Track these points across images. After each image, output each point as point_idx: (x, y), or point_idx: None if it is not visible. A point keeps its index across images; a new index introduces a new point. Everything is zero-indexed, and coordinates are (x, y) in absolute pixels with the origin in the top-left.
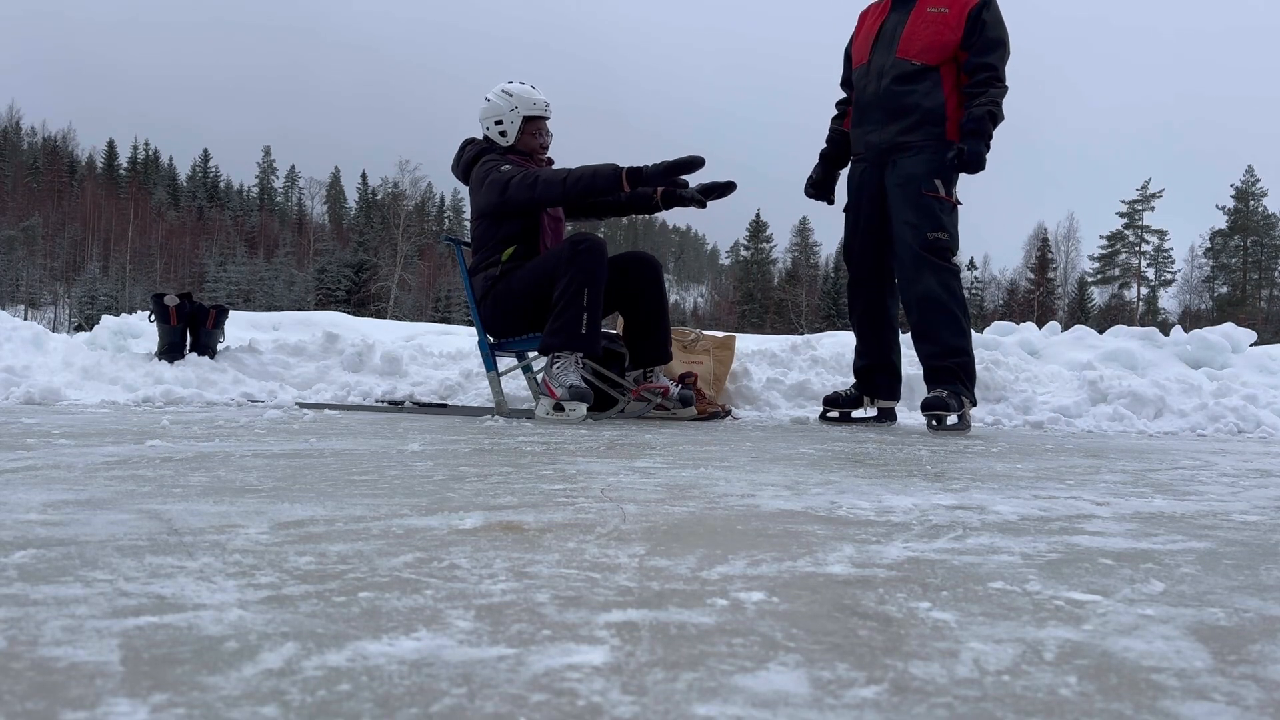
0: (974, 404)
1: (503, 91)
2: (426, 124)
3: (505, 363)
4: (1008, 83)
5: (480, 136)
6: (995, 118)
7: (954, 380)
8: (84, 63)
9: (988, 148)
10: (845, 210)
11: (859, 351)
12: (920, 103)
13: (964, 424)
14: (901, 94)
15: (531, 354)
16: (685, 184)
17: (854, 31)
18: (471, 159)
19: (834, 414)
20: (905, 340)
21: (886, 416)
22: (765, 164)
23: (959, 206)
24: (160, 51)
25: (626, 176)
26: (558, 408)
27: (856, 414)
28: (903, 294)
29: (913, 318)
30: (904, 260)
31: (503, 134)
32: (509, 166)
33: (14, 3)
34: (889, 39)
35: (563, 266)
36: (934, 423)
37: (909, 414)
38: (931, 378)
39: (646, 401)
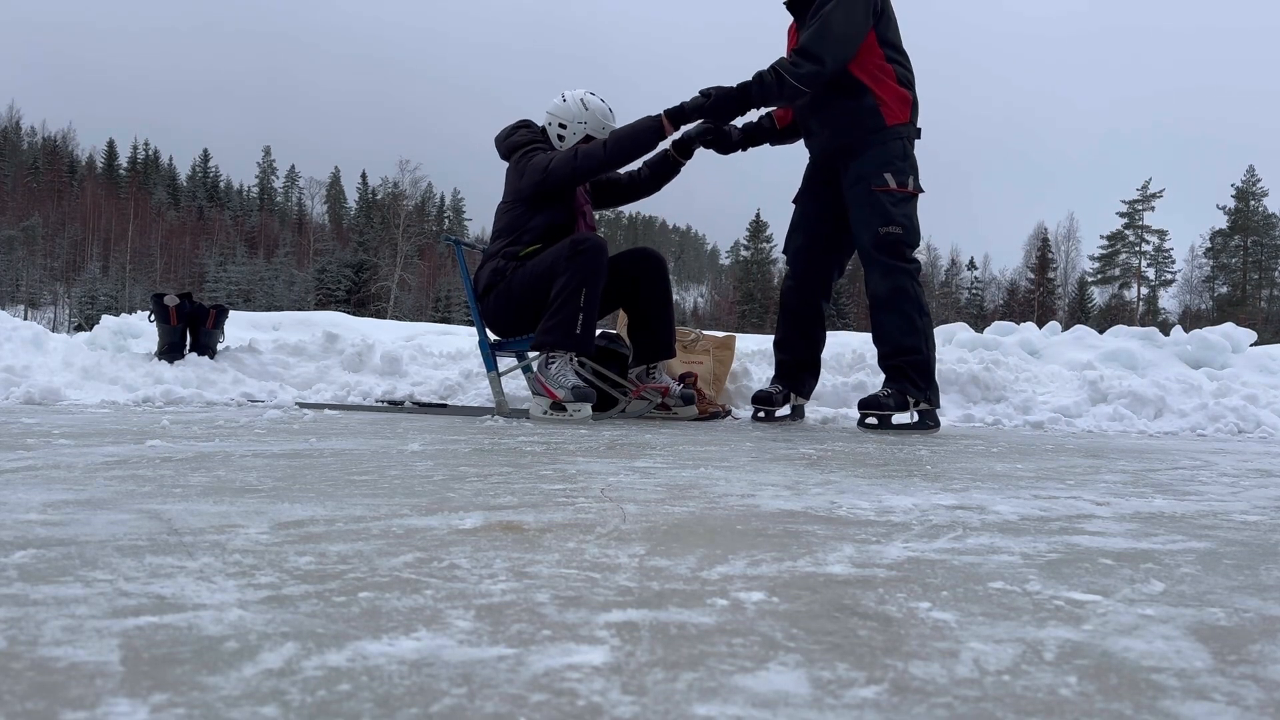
0: (927, 403)
1: (581, 101)
2: (425, 127)
3: (504, 363)
4: (820, 51)
5: (540, 125)
6: (754, 86)
7: (900, 379)
8: (83, 69)
9: (731, 109)
10: (794, 201)
11: (784, 345)
12: (843, 102)
13: (927, 424)
14: (821, 101)
15: (532, 354)
16: (723, 125)
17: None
18: (519, 144)
19: (762, 413)
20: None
21: (797, 414)
22: (765, 164)
23: (919, 195)
24: (157, 57)
25: (668, 119)
26: (557, 408)
27: (780, 413)
28: (866, 292)
29: (871, 315)
30: (862, 260)
31: (560, 138)
32: (552, 151)
33: (12, 8)
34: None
35: (561, 264)
36: (871, 420)
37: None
38: (885, 376)
39: (647, 401)
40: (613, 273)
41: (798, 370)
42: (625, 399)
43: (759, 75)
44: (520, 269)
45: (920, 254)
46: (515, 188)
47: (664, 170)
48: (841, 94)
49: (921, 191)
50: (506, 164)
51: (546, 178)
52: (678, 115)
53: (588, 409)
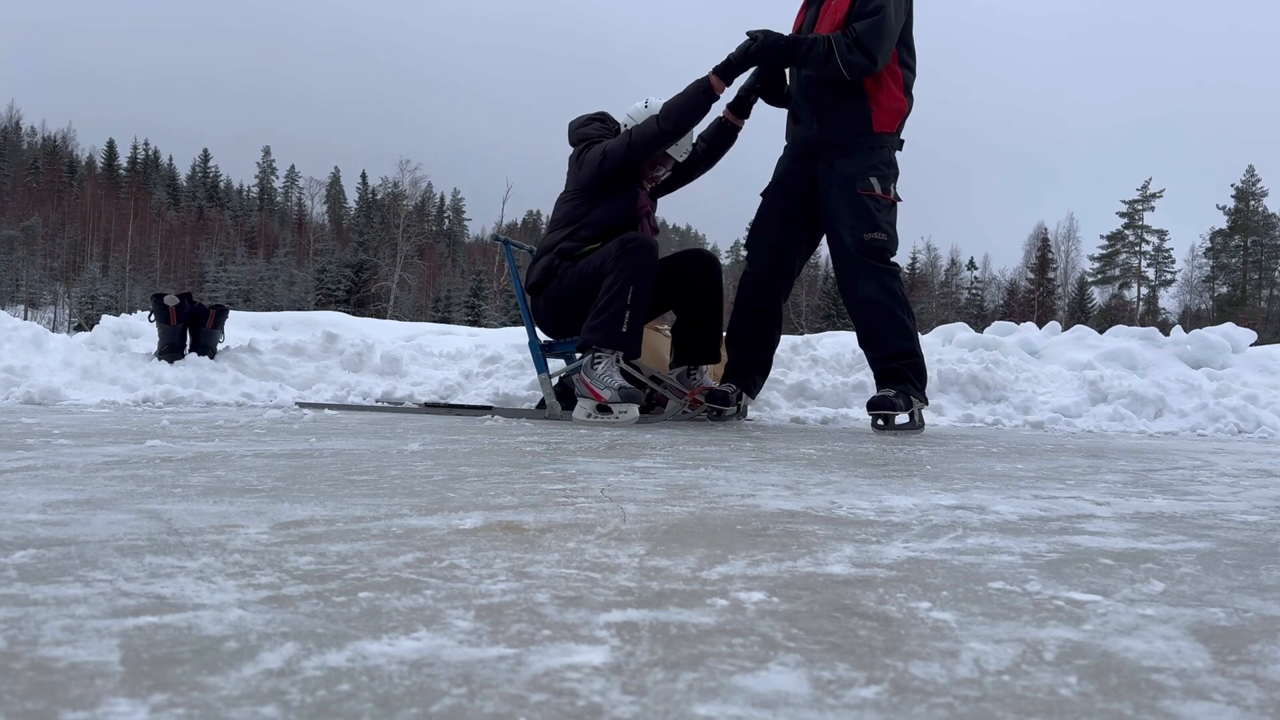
0: (925, 403)
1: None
2: (425, 127)
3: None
4: (875, 49)
5: (618, 121)
6: (804, 44)
7: (902, 381)
8: (83, 69)
9: (778, 57)
10: (763, 195)
11: (739, 343)
12: (839, 99)
13: (916, 424)
14: (818, 91)
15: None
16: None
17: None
18: (587, 138)
19: (715, 411)
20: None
21: (742, 413)
22: (766, 164)
23: (898, 203)
24: (157, 57)
25: (717, 75)
26: (603, 409)
27: (728, 411)
28: (843, 295)
29: (857, 322)
30: (842, 263)
31: None
32: (608, 140)
33: (12, 8)
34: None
35: (610, 263)
36: (880, 422)
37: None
38: (880, 379)
39: (699, 405)
40: (666, 273)
41: (750, 370)
42: (681, 401)
43: (813, 39)
44: (571, 269)
45: (920, 254)
46: (576, 178)
47: (721, 138)
48: (837, 89)
49: (900, 200)
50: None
51: (604, 160)
52: (726, 70)
53: (634, 410)
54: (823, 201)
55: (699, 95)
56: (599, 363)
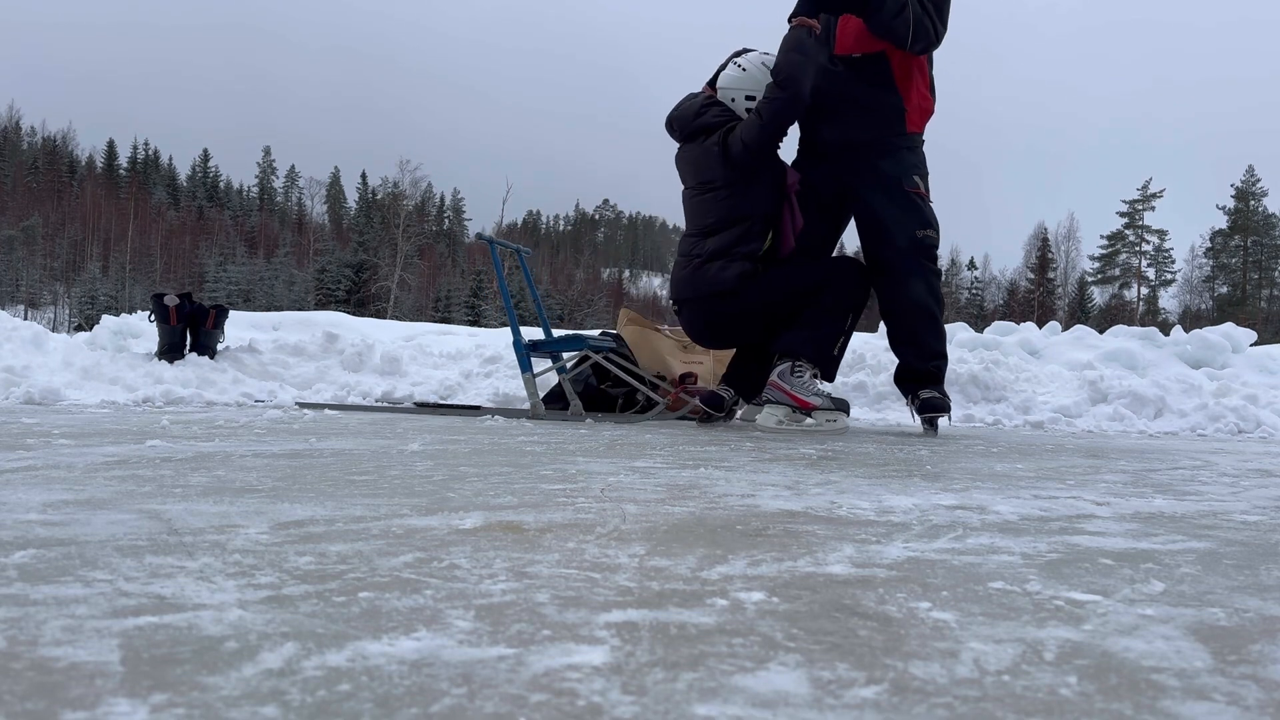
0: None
1: (763, 64)
2: (425, 126)
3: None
4: (938, 22)
5: (719, 99)
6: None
7: (937, 382)
8: (82, 69)
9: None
10: None
11: (742, 349)
12: (873, 95)
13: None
14: (852, 85)
15: (568, 355)
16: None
17: None
18: (710, 126)
19: (708, 415)
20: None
21: (740, 414)
22: None
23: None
24: (157, 56)
25: (802, 15)
26: (794, 418)
27: (717, 417)
28: (887, 295)
29: (895, 321)
30: (891, 260)
31: (749, 112)
32: (728, 120)
33: (12, 8)
34: (826, 36)
35: (841, 282)
36: (930, 425)
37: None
38: (913, 377)
39: (681, 406)
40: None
41: (750, 375)
42: (663, 402)
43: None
44: (765, 277)
45: None
46: (724, 175)
47: None
48: (870, 84)
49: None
50: (680, 144)
51: (746, 150)
52: (808, 7)
53: (844, 419)
54: (864, 204)
55: (802, 41)
56: (801, 373)
